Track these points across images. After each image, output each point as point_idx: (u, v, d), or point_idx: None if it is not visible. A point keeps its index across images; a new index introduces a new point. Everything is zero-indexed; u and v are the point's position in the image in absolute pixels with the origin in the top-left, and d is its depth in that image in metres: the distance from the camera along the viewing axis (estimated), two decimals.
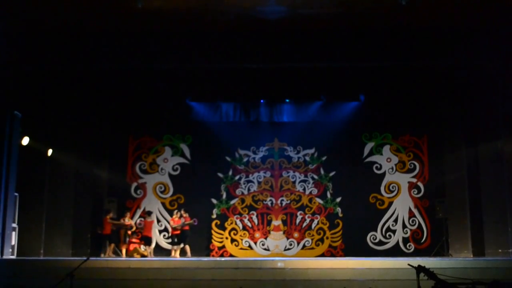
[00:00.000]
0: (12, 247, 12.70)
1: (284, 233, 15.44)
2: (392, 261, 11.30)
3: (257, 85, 14.21)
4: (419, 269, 5.83)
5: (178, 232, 14.38)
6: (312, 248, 15.33)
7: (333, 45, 12.38)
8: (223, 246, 15.39)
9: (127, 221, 14.33)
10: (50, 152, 14.17)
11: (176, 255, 14.27)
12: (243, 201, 15.63)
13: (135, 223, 14.92)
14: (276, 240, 15.41)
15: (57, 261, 11.67)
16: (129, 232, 14.24)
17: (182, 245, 14.32)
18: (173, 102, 15.38)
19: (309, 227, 15.47)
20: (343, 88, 14.70)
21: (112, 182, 15.62)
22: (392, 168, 15.70)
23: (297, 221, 15.50)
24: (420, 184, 15.60)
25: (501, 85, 12.93)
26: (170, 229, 14.88)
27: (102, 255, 13.85)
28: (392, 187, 15.61)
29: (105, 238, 14.09)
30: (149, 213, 14.92)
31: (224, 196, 15.65)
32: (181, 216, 14.51)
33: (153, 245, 14.72)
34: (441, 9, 11.27)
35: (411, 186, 15.61)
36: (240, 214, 15.55)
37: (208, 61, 12.62)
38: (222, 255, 15.23)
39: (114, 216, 14.53)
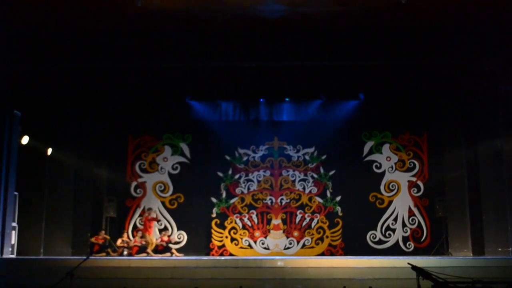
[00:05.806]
0: (12, 246, 12.70)
1: (284, 232, 15.44)
2: (392, 260, 11.28)
3: (256, 84, 14.18)
4: (414, 269, 5.83)
5: (162, 248, 14.38)
6: (312, 247, 15.33)
7: (332, 43, 12.33)
8: (223, 245, 15.38)
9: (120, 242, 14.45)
10: (50, 151, 14.17)
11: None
12: (242, 200, 15.62)
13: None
14: (276, 239, 15.41)
15: (57, 260, 11.68)
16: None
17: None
18: (172, 101, 15.38)
19: (309, 226, 15.47)
20: (343, 86, 14.67)
21: (112, 181, 15.60)
22: (392, 167, 15.69)
23: (297, 220, 15.49)
24: (420, 183, 15.59)
25: (501, 85, 12.92)
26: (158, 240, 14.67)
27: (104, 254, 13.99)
28: (392, 186, 15.61)
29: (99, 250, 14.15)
30: (150, 209, 15.08)
31: (224, 195, 15.64)
32: (170, 235, 14.90)
33: (153, 245, 14.72)
34: (441, 8, 11.24)
35: (411, 185, 15.61)
36: (240, 213, 15.54)
37: (207, 60, 12.57)
38: (222, 254, 15.23)
39: (107, 233, 14.61)
